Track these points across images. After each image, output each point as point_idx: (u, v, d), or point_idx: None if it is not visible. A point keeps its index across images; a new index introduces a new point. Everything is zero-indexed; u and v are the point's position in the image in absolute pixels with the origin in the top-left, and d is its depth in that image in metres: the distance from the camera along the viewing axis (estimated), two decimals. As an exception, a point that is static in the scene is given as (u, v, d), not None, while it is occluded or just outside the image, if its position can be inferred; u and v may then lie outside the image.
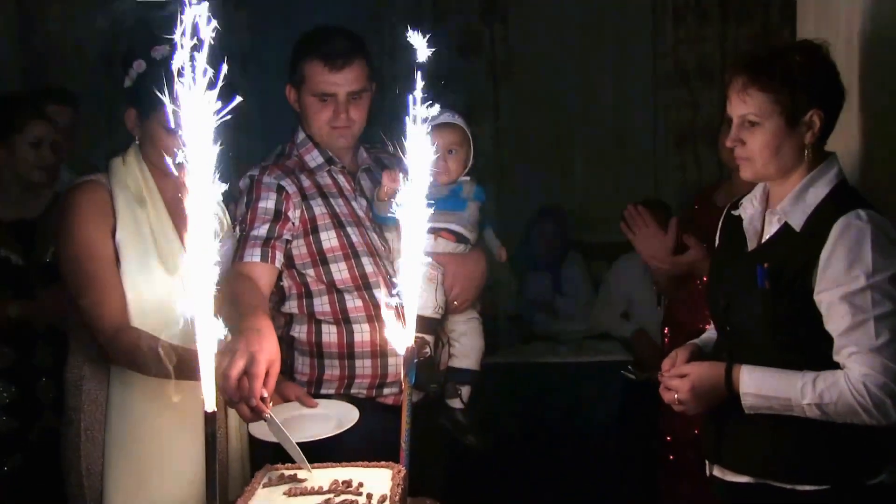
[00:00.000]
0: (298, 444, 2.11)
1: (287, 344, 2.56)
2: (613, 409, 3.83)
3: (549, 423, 3.85)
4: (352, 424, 2.24)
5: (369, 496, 1.70)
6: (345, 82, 2.50)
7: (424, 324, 2.51)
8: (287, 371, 2.54)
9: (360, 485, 1.76)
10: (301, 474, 1.81)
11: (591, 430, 3.81)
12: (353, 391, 2.50)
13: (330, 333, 2.52)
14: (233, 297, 2.27)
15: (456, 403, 2.64)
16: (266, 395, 1.96)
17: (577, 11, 5.48)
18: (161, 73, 2.20)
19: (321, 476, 1.80)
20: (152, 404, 2.26)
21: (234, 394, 1.92)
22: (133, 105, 2.33)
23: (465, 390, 2.64)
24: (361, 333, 2.51)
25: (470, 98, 5.45)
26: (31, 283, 2.95)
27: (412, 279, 1.85)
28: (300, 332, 2.55)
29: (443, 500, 2.12)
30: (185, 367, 2.12)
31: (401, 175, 2.44)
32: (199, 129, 1.37)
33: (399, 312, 1.82)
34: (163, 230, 2.34)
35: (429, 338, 2.56)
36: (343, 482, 1.76)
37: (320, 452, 2.10)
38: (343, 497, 1.70)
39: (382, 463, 1.87)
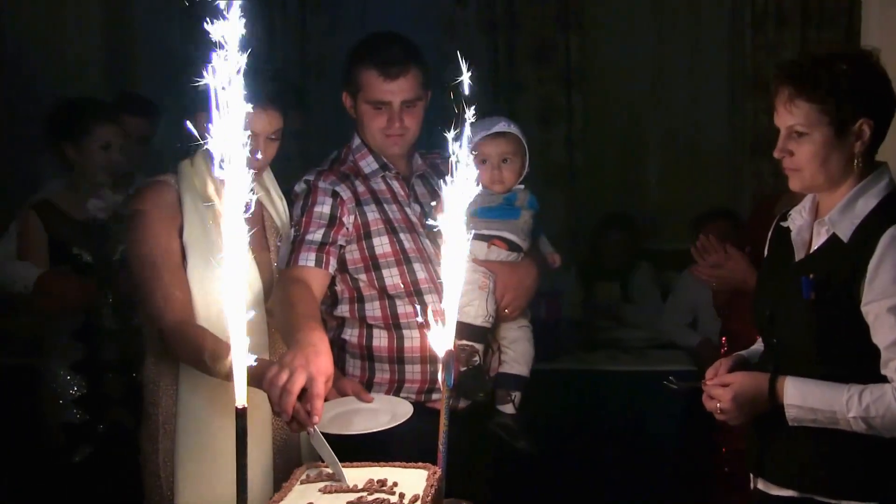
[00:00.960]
0: (353, 435, 2.23)
1: (338, 347, 2.62)
2: (672, 419, 3.78)
3: (607, 431, 3.82)
4: (406, 418, 2.30)
5: (401, 496, 1.74)
6: (399, 91, 2.53)
7: (474, 332, 2.56)
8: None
9: (395, 484, 1.80)
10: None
11: (648, 439, 3.77)
12: (402, 394, 2.54)
13: (381, 338, 2.57)
14: (286, 301, 2.34)
15: (507, 409, 2.66)
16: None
17: (653, 18, 5.44)
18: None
19: (358, 475, 1.85)
20: (218, 400, 2.33)
21: (289, 408, 1.95)
22: (203, 109, 2.40)
23: (517, 396, 2.67)
24: (412, 339, 2.55)
25: (543, 105, 5.48)
26: (100, 280, 3.08)
27: (454, 284, 1.89)
28: (351, 335, 2.61)
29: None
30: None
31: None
32: (232, 142, 1.42)
33: (441, 317, 1.85)
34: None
35: (478, 346, 2.58)
36: (378, 481, 1.81)
37: (371, 449, 2.17)
38: (376, 496, 1.74)
39: (420, 464, 1.90)
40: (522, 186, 2.72)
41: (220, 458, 2.27)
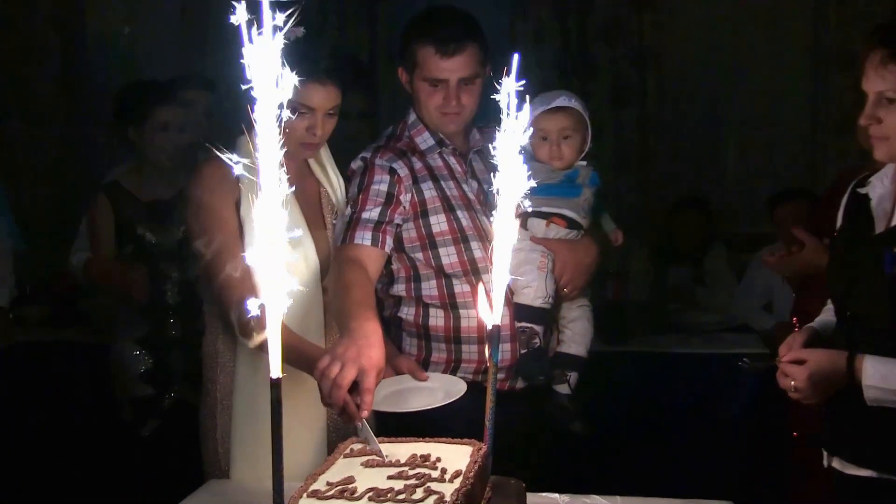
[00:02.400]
0: (408, 413, 2.23)
1: (395, 325, 2.62)
2: (743, 403, 3.69)
3: (675, 415, 3.74)
4: (459, 396, 2.27)
5: (443, 471, 1.71)
6: (456, 68, 2.47)
7: (534, 314, 2.52)
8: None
9: (438, 459, 1.77)
10: (382, 450, 1.84)
11: (718, 423, 3.68)
12: (459, 374, 2.52)
13: (437, 317, 2.55)
14: (341, 282, 2.32)
15: (563, 389, 2.61)
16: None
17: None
18: (295, 52, 2.32)
19: (402, 450, 1.83)
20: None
21: (340, 402, 1.95)
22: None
23: (573, 376, 2.62)
24: (468, 319, 2.52)
25: (615, 85, 5.40)
26: (163, 260, 3.14)
27: (502, 260, 1.86)
28: (408, 314, 2.59)
29: (546, 485, 2.11)
30: (293, 356, 2.21)
31: None
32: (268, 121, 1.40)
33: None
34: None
35: (538, 328, 2.53)
36: (421, 456, 1.78)
37: (424, 426, 2.14)
38: (417, 470, 1.71)
39: (466, 440, 1.87)
40: (584, 163, 2.65)
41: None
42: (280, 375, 1.46)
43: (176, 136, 3.22)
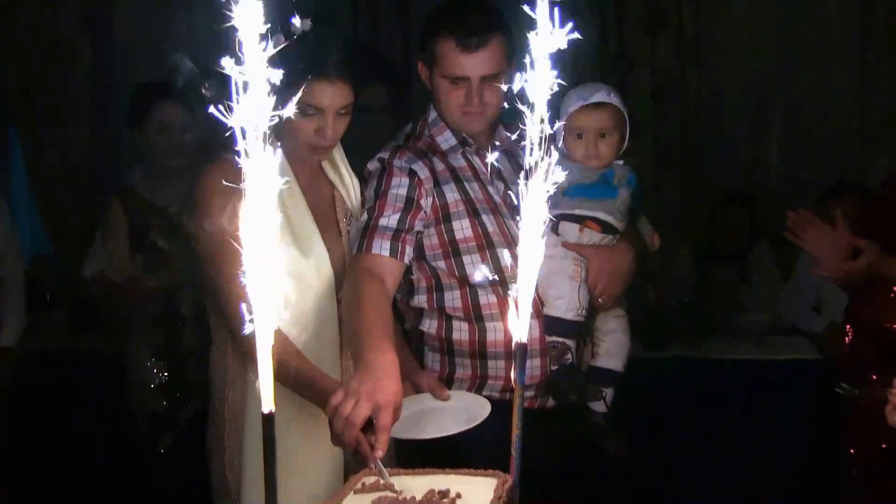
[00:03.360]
0: (427, 440, 2.08)
1: (416, 338, 2.46)
2: (795, 414, 3.48)
3: (721, 426, 3.54)
4: (482, 420, 2.11)
5: (464, 509, 1.54)
6: (479, 64, 2.30)
7: (566, 327, 2.33)
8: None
9: (458, 496, 1.60)
10: (397, 484, 1.68)
11: (767, 435, 3.47)
12: (485, 392, 2.35)
13: (461, 330, 2.38)
14: (355, 300, 2.15)
15: (598, 406, 2.41)
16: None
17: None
18: (297, 51, 2.16)
19: (417, 483, 1.66)
20: (291, 398, 2.18)
21: (352, 442, 1.81)
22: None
23: (609, 393, 2.42)
24: (495, 332, 2.35)
25: (656, 77, 5.19)
26: (176, 267, 3.01)
27: (529, 270, 1.67)
28: (430, 326, 2.43)
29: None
30: (305, 388, 2.11)
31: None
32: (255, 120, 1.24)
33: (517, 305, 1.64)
34: (298, 214, 2.29)
35: (570, 343, 2.34)
36: (439, 492, 1.61)
37: (444, 450, 2.01)
38: (433, 509, 1.55)
39: (490, 471, 1.70)
40: (621, 161, 2.45)
41: (288, 459, 2.13)
42: (272, 409, 1.31)
43: (178, 136, 3.08)
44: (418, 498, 1.60)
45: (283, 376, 2.13)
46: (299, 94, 2.13)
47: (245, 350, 2.18)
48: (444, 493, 1.61)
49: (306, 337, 2.23)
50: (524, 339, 1.65)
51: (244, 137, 1.26)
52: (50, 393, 3.92)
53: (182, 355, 3.07)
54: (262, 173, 1.26)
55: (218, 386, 2.31)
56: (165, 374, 3.10)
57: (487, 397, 2.30)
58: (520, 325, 1.64)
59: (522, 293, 1.64)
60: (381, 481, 1.71)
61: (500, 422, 2.10)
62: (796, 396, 3.55)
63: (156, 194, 3.12)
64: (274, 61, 2.20)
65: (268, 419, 1.30)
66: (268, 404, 1.30)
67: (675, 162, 5.06)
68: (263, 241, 1.26)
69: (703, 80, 5.17)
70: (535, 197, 1.65)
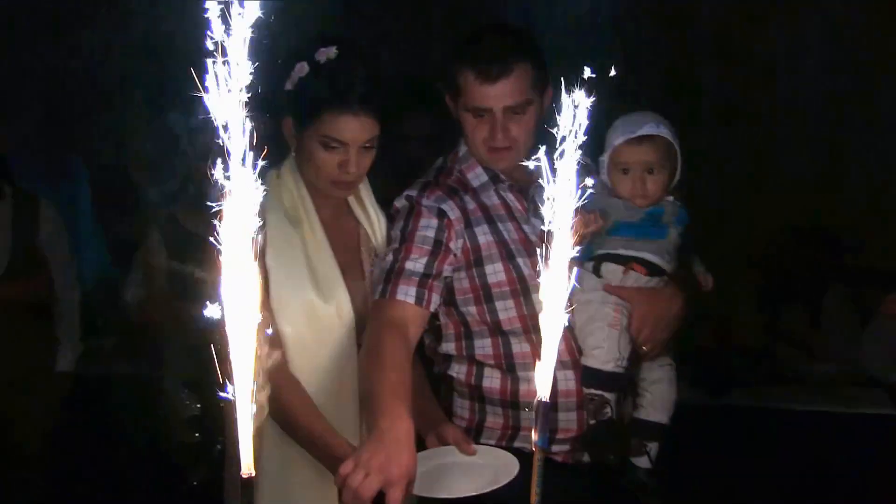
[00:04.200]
0: (448, 499, 1.93)
1: (445, 384, 2.31)
2: (865, 474, 3.22)
3: (784, 481, 3.30)
4: (508, 481, 1.95)
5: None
6: (500, 95, 2.12)
7: (604, 379, 2.14)
8: (445, 413, 2.28)
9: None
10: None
11: (836, 494, 3.21)
12: (517, 444, 2.18)
13: (492, 378, 2.22)
14: (375, 353, 2.00)
15: (642, 462, 2.23)
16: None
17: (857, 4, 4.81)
18: (324, 80, 2.05)
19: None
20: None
21: None
22: (290, 113, 2.14)
23: (654, 447, 2.23)
24: (528, 382, 2.17)
25: (723, 105, 4.98)
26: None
27: (552, 321, 1.51)
28: (459, 371, 2.27)
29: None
30: (317, 449, 2.01)
31: (598, 216, 2.11)
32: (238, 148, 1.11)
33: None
34: (320, 254, 2.17)
35: (609, 396, 2.14)
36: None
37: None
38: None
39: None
40: (671, 198, 2.25)
41: (303, 495, 2.10)
42: (251, 473, 1.18)
43: None
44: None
45: (294, 434, 2.05)
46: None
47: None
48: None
49: (325, 386, 2.13)
50: (546, 397, 1.49)
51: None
52: (99, 417, 3.90)
53: (215, 388, 2.98)
54: (240, 226, 1.12)
55: (232, 431, 2.18)
56: (198, 405, 3.02)
57: (519, 449, 2.15)
58: (542, 381, 1.49)
59: (546, 344, 1.48)
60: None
61: (528, 477, 1.95)
62: (868, 454, 3.29)
63: (196, 223, 3.06)
64: (308, 89, 2.10)
65: (246, 484, 1.17)
66: (247, 467, 1.17)
67: (742, 194, 4.83)
68: (243, 297, 1.12)
69: (774, 107, 4.92)
70: (559, 238, 1.49)
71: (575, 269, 1.44)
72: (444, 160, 2.35)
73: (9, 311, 3.34)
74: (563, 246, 1.45)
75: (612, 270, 2.19)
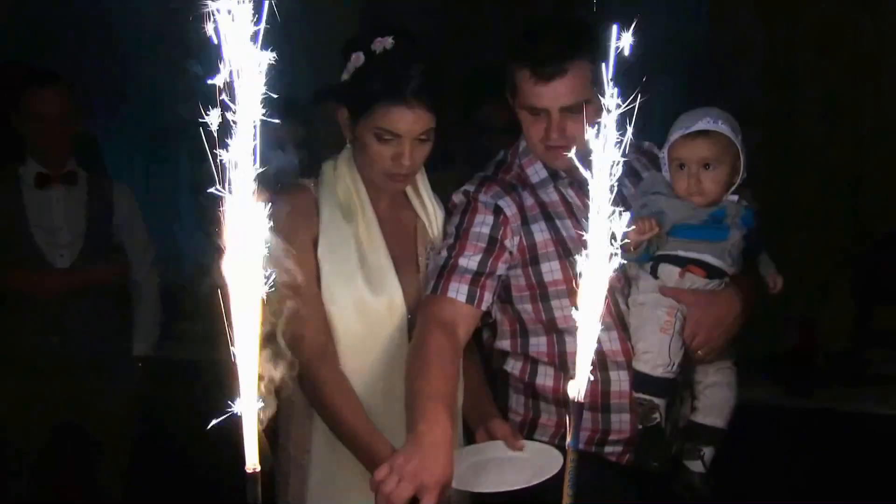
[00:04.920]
0: (492, 493, 1.94)
1: (501, 379, 2.32)
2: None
3: (869, 488, 3.18)
4: (552, 475, 1.95)
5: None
6: (556, 96, 2.08)
7: (653, 384, 2.12)
8: (500, 408, 2.29)
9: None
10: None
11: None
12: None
13: (546, 376, 2.23)
14: (421, 352, 2.01)
15: (696, 466, 2.20)
16: None
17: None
18: (379, 71, 2.06)
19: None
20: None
21: None
22: (346, 103, 2.14)
23: (708, 452, 2.20)
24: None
25: (825, 99, 4.81)
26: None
27: (590, 320, 1.51)
28: (514, 367, 2.28)
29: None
30: (358, 447, 2.03)
31: (653, 224, 2.08)
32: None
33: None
34: (373, 247, 2.17)
35: (658, 401, 2.11)
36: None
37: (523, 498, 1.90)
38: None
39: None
40: (736, 198, 2.19)
41: (352, 496, 2.08)
42: (257, 469, 1.21)
43: None
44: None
45: (336, 430, 2.07)
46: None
47: (301, 377, 2.09)
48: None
49: (374, 382, 2.15)
50: (580, 397, 1.49)
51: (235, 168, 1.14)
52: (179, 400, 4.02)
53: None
54: (245, 209, 1.13)
55: (284, 420, 2.24)
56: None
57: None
58: (577, 381, 1.49)
59: (582, 345, 1.49)
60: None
61: (584, 472, 1.95)
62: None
63: None
64: (363, 79, 2.11)
65: (252, 479, 1.21)
66: (252, 462, 1.21)
67: (843, 190, 4.66)
68: (248, 283, 1.15)
69: (881, 101, 4.73)
70: (598, 235, 1.49)
71: (612, 267, 1.43)
72: (504, 154, 2.34)
73: (86, 296, 3.39)
74: (600, 243, 1.45)
75: (669, 272, 2.16)
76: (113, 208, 3.52)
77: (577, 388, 1.47)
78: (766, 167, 4.64)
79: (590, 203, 1.34)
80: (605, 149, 1.39)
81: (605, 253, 1.43)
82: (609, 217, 1.44)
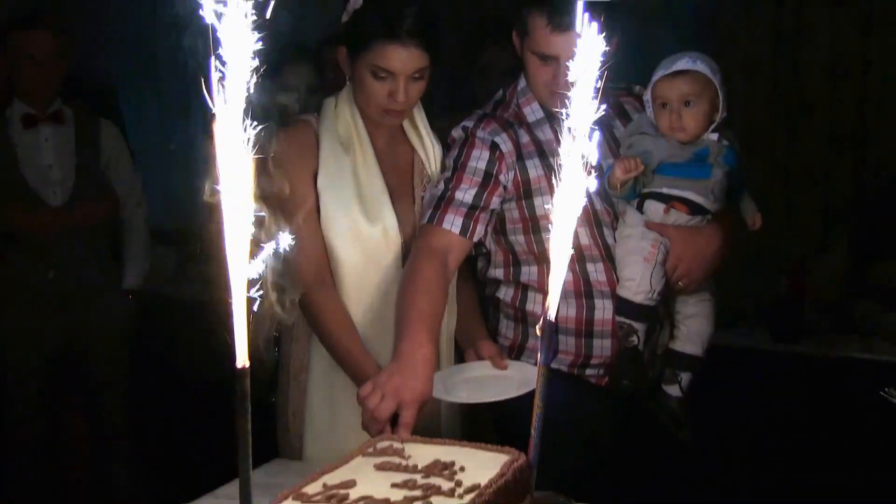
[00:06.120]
0: (480, 404, 2.11)
1: (493, 305, 2.45)
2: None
3: (845, 430, 3.28)
4: (529, 390, 2.08)
5: (458, 483, 1.51)
6: (568, 45, 2.12)
7: (634, 310, 2.26)
8: (492, 333, 2.43)
9: (461, 469, 1.57)
10: (407, 449, 1.67)
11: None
12: (554, 365, 2.31)
13: (535, 302, 2.35)
14: (413, 277, 2.13)
15: (673, 391, 2.35)
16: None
17: None
18: (375, 11, 2.17)
19: (428, 452, 1.65)
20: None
21: (375, 435, 1.86)
22: (345, 43, 2.25)
23: (686, 377, 2.35)
24: (567, 309, 2.29)
25: (834, 55, 4.82)
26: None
27: (562, 248, 1.63)
28: (506, 294, 2.40)
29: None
30: (346, 363, 2.18)
31: (638, 162, 2.18)
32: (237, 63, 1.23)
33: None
34: (369, 179, 2.28)
35: (638, 326, 2.24)
36: (443, 463, 1.59)
37: (504, 416, 2.09)
38: (429, 480, 1.53)
39: (506, 448, 1.66)
40: (717, 136, 2.30)
41: (347, 412, 2.19)
42: (246, 364, 1.32)
43: None
44: (420, 467, 1.59)
45: (332, 351, 2.22)
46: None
47: (302, 303, 2.22)
48: (447, 465, 1.59)
49: (371, 307, 2.27)
50: (552, 316, 1.60)
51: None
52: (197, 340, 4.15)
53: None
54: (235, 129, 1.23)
55: (284, 340, 2.38)
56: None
57: (556, 370, 2.28)
58: (551, 303, 1.61)
59: (555, 269, 1.60)
60: (396, 438, 1.73)
61: (566, 393, 2.07)
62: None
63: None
64: (361, 20, 2.21)
65: (241, 374, 1.32)
66: (241, 359, 1.32)
67: (849, 147, 4.70)
68: (241, 197, 1.25)
69: (889, 58, 4.74)
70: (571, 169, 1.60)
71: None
72: (503, 93, 2.43)
73: (79, 232, 3.51)
74: (574, 176, 1.56)
75: (654, 208, 2.28)
76: (100, 145, 3.61)
77: (550, 310, 1.59)
78: (773, 123, 4.72)
79: (562, 139, 1.44)
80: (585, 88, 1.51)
81: (579, 186, 1.55)
82: (585, 150, 1.55)
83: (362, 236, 2.24)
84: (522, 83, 2.38)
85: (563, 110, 2.26)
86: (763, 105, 4.75)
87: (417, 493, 1.47)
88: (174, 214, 4.15)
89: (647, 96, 2.28)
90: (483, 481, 1.51)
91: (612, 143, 2.36)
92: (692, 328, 2.35)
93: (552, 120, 2.33)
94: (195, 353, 4.05)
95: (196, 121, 5.59)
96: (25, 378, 3.53)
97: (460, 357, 2.37)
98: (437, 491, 1.48)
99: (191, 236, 4.73)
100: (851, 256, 4.10)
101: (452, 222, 2.23)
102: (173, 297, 4.19)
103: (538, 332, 2.19)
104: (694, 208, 2.27)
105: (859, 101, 4.72)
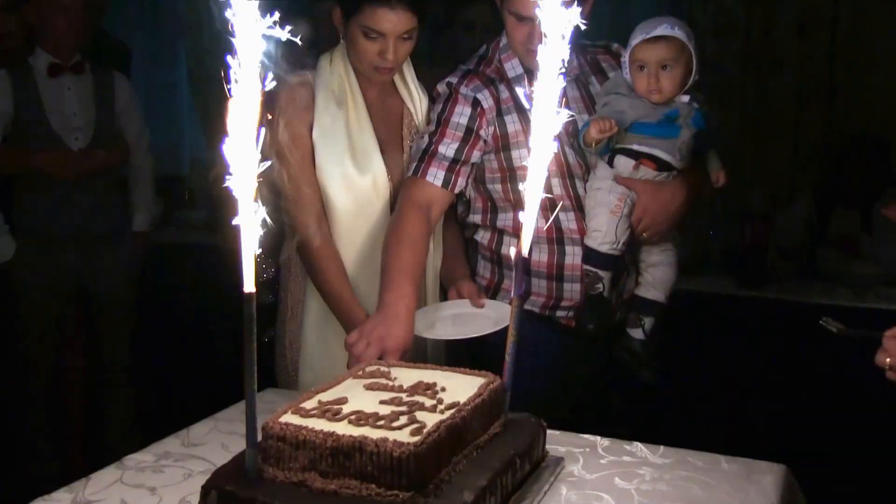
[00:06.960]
0: (458, 340, 2.28)
1: (472, 248, 2.63)
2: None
3: (807, 372, 3.49)
4: (504, 326, 2.25)
5: (440, 401, 1.70)
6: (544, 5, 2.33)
7: (599, 258, 2.43)
8: (472, 272, 2.61)
9: (442, 389, 1.76)
10: (393, 372, 1.85)
11: (848, 388, 3.31)
12: (526, 306, 2.49)
13: (509, 245, 2.52)
14: (397, 228, 2.30)
15: (636, 334, 2.54)
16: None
17: None
18: None
19: (412, 375, 1.83)
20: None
21: None
22: (338, 3, 2.41)
23: (649, 322, 2.54)
24: (539, 254, 2.47)
25: (803, 10, 4.93)
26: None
27: (533, 194, 1.79)
28: (483, 238, 2.58)
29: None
30: (337, 308, 2.36)
31: (612, 124, 2.32)
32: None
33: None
34: (360, 131, 2.44)
35: (603, 274, 2.43)
36: (425, 384, 1.77)
37: (480, 353, 2.23)
38: (414, 398, 1.71)
39: (483, 373, 1.84)
40: (688, 98, 2.46)
41: (339, 344, 2.34)
42: (253, 290, 1.48)
43: None
44: (405, 387, 1.77)
45: (325, 297, 2.41)
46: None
47: (299, 245, 2.41)
48: (430, 385, 1.77)
49: (362, 253, 2.45)
50: (525, 252, 1.76)
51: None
52: (185, 282, 4.35)
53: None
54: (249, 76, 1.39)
55: (284, 277, 2.57)
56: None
57: (528, 311, 2.46)
58: (524, 238, 1.77)
59: (528, 210, 1.75)
60: (383, 363, 1.91)
61: (534, 333, 2.25)
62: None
63: None
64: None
65: (248, 298, 1.48)
66: (249, 285, 1.47)
67: (815, 102, 4.86)
68: (246, 142, 1.41)
69: (856, 14, 4.84)
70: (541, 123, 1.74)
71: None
72: (486, 48, 2.57)
73: (95, 177, 3.73)
74: (544, 129, 1.72)
75: (624, 163, 2.45)
76: (115, 96, 3.82)
77: (523, 247, 1.75)
78: (744, 76, 4.87)
79: (533, 98, 1.60)
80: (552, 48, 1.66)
81: (548, 138, 1.71)
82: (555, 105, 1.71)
83: (354, 185, 2.41)
84: (504, 40, 2.52)
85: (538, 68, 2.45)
86: (735, 60, 4.89)
87: (403, 408, 1.66)
88: (160, 163, 4.30)
89: (625, 58, 2.44)
90: (462, 399, 1.71)
91: (587, 99, 2.51)
92: (656, 276, 2.54)
93: (530, 76, 2.48)
94: (187, 292, 4.28)
95: (179, 71, 5.73)
96: (45, 311, 3.75)
97: (444, 296, 2.55)
98: (421, 407, 1.67)
99: (176, 184, 4.92)
100: (815, 206, 4.28)
101: (435, 176, 2.40)
102: (158, 241, 4.36)
103: (511, 258, 2.36)
104: (661, 165, 2.44)
105: (828, 56, 4.84)
